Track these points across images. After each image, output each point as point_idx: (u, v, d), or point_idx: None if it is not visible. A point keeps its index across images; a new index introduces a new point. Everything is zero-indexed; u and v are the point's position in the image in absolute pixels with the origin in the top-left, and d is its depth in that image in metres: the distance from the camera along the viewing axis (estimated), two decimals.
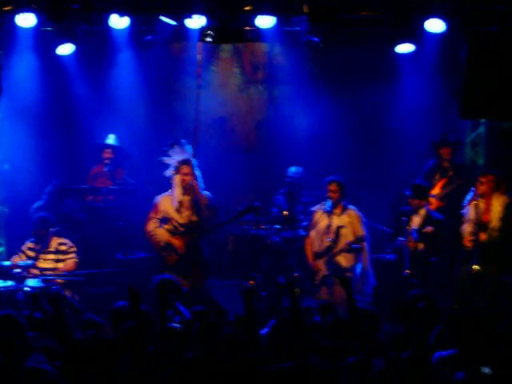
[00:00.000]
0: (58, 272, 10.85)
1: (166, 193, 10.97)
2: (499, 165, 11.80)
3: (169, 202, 10.90)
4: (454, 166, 11.79)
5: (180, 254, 10.80)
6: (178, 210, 10.83)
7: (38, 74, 12.29)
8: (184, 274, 10.63)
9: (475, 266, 10.43)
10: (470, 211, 10.68)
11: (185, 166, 10.81)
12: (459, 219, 10.79)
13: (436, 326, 7.45)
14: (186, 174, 10.79)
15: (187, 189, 10.79)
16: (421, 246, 10.69)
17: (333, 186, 10.85)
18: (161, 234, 10.89)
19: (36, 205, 11.72)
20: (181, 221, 10.84)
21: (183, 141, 11.01)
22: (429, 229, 10.71)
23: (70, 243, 11.07)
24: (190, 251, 10.79)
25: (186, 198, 10.83)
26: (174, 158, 10.89)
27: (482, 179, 10.65)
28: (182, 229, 10.84)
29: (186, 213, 10.84)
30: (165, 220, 10.91)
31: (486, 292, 10.62)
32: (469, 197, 10.80)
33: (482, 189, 10.62)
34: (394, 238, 10.91)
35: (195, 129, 12.13)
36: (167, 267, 10.78)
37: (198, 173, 10.87)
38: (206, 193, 10.92)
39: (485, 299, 10.55)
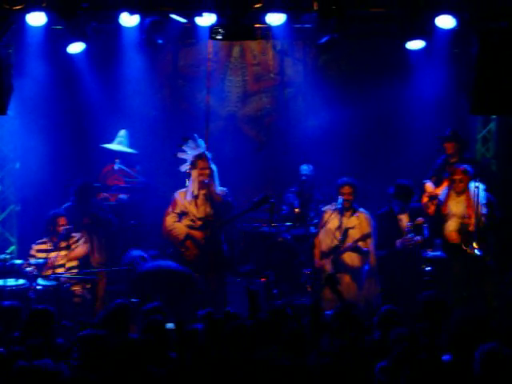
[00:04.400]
0: (70, 257, 10.88)
1: (184, 188, 10.99)
2: (509, 161, 11.82)
3: (186, 197, 10.92)
4: (463, 162, 11.77)
5: (199, 247, 10.80)
6: (194, 204, 10.83)
7: (48, 73, 12.29)
8: (202, 270, 10.67)
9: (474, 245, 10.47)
10: (452, 207, 10.76)
11: (201, 160, 10.83)
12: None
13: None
14: (202, 169, 10.80)
15: (203, 184, 10.80)
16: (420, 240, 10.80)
17: (347, 189, 10.79)
18: (179, 227, 10.90)
19: (65, 206, 11.64)
20: (198, 215, 10.84)
21: (195, 135, 11.03)
22: (420, 220, 10.78)
23: (78, 234, 11.08)
24: (209, 246, 10.80)
25: (202, 193, 10.84)
26: (189, 152, 10.91)
27: (459, 176, 10.69)
28: (199, 222, 10.84)
29: (202, 207, 10.84)
30: (183, 214, 10.93)
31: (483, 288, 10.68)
32: (444, 194, 10.87)
33: (462, 186, 10.73)
34: (388, 241, 10.94)
35: (206, 127, 12.13)
36: (186, 263, 10.81)
37: (214, 167, 10.89)
38: (223, 188, 10.95)
39: (483, 293, 10.61)
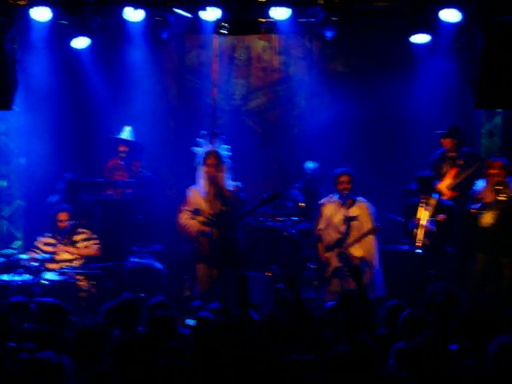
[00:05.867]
0: (80, 256, 10.90)
1: (195, 185, 11.00)
2: None
3: (198, 194, 10.93)
4: (463, 155, 11.76)
5: (213, 243, 10.82)
6: (209, 201, 10.84)
7: (53, 68, 12.34)
8: (217, 264, 10.70)
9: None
10: (486, 199, 10.69)
11: (209, 157, 10.83)
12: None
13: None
14: (210, 166, 10.80)
15: (212, 179, 10.80)
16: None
17: (345, 178, 10.84)
18: (192, 224, 10.91)
19: (52, 199, 11.73)
20: (211, 211, 10.84)
21: (217, 131, 11.04)
22: (441, 217, 10.74)
23: (89, 231, 11.13)
24: (224, 241, 10.82)
25: (212, 189, 10.84)
26: (203, 148, 10.94)
27: (495, 170, 10.63)
28: (213, 219, 10.85)
29: (215, 204, 10.84)
30: (196, 212, 10.93)
31: (501, 283, 10.67)
32: (481, 185, 10.82)
33: (496, 179, 10.63)
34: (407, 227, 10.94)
35: (212, 122, 12.12)
36: (201, 258, 10.85)
37: (226, 164, 10.89)
38: (236, 183, 10.95)
39: (499, 290, 10.60)
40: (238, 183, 11.00)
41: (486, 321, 6.78)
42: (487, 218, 10.68)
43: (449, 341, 6.88)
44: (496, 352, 6.07)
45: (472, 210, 10.71)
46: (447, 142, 11.72)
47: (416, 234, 10.69)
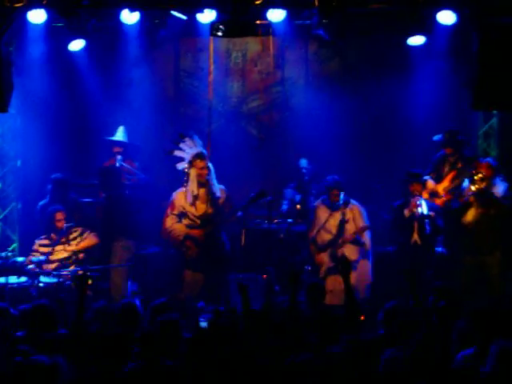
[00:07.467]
0: (80, 247, 10.87)
1: (181, 188, 10.96)
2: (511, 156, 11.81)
3: (183, 197, 10.89)
4: (463, 159, 11.74)
5: (200, 246, 10.80)
6: (193, 204, 10.83)
7: (49, 70, 12.31)
8: (204, 268, 10.69)
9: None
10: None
11: (200, 159, 10.79)
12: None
13: (457, 321, 7.44)
14: (201, 168, 10.76)
15: (203, 182, 10.77)
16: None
17: (335, 192, 10.96)
18: (179, 228, 10.88)
19: (41, 203, 11.69)
20: (196, 213, 10.83)
21: (191, 132, 11.01)
22: (432, 213, 10.75)
23: (80, 228, 11.06)
24: (210, 244, 10.80)
25: (202, 191, 10.82)
26: (186, 151, 10.87)
27: (483, 170, 10.63)
28: (198, 221, 10.84)
29: (201, 206, 10.83)
30: (182, 215, 10.90)
31: (490, 283, 10.70)
32: (466, 184, 10.84)
33: (484, 184, 10.63)
34: (394, 231, 11.00)
35: (208, 124, 12.14)
36: (187, 262, 10.81)
37: (211, 166, 10.87)
38: (221, 186, 10.94)
39: (489, 291, 10.61)
40: (222, 186, 10.98)
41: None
42: (468, 217, 10.71)
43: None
44: (497, 357, 6.03)
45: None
46: (449, 150, 11.70)
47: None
